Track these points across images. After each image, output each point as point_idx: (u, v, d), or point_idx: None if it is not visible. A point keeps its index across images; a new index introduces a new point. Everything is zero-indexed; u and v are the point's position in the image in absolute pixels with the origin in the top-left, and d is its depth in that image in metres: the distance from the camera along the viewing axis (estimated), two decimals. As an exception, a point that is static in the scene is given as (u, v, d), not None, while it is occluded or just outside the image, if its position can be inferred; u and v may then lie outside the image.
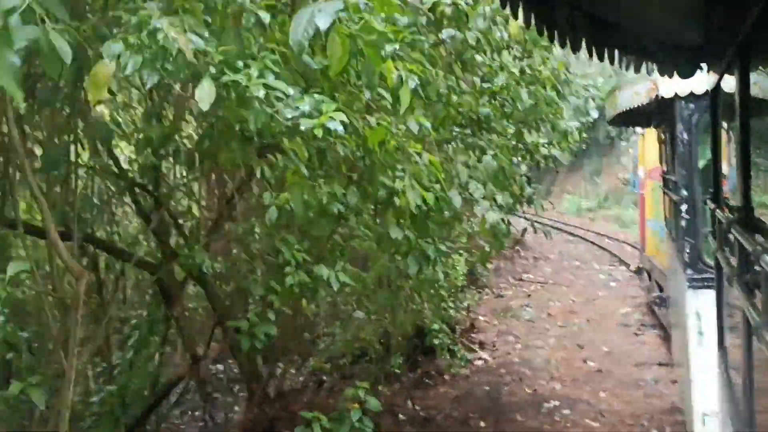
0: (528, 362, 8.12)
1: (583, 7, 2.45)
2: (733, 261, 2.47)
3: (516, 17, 2.13)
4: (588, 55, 2.72)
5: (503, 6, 2.12)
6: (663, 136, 6.49)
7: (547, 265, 14.96)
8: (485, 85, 5.18)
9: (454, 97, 4.47)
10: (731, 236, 2.44)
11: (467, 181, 4.45)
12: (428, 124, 3.69)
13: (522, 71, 5.49)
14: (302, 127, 2.83)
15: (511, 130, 5.90)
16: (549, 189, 31.64)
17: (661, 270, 8.23)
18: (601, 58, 2.84)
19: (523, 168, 6.96)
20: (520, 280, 13.33)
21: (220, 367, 7.79)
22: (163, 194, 4.89)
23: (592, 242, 17.37)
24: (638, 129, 10.67)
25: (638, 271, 11.96)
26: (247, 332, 4.20)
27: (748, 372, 2.17)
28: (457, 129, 5.10)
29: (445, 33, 4.39)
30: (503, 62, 5.19)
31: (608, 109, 6.58)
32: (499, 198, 4.64)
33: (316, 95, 2.96)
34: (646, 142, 9.62)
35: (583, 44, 2.61)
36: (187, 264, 4.37)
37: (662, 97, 4.49)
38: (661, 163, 7.05)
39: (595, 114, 12.81)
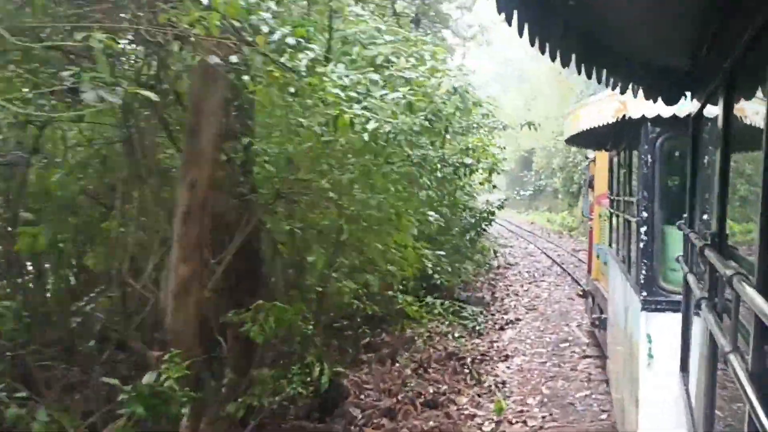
0: None
1: (576, 24, 2.47)
2: (703, 285, 2.49)
3: (510, 25, 2.12)
4: (577, 71, 2.74)
5: (499, 12, 2.11)
6: (617, 160, 6.41)
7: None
8: None
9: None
10: (702, 261, 2.46)
11: None
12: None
13: None
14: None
15: None
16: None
17: (603, 294, 8.19)
18: (588, 76, 2.87)
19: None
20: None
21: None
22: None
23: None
24: (589, 154, 10.48)
25: (584, 295, 11.39)
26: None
27: (711, 396, 2.19)
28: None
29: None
30: None
31: (568, 127, 6.40)
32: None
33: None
34: (597, 167, 9.40)
35: (573, 60, 2.63)
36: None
37: (629, 118, 4.41)
38: (610, 188, 6.97)
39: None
